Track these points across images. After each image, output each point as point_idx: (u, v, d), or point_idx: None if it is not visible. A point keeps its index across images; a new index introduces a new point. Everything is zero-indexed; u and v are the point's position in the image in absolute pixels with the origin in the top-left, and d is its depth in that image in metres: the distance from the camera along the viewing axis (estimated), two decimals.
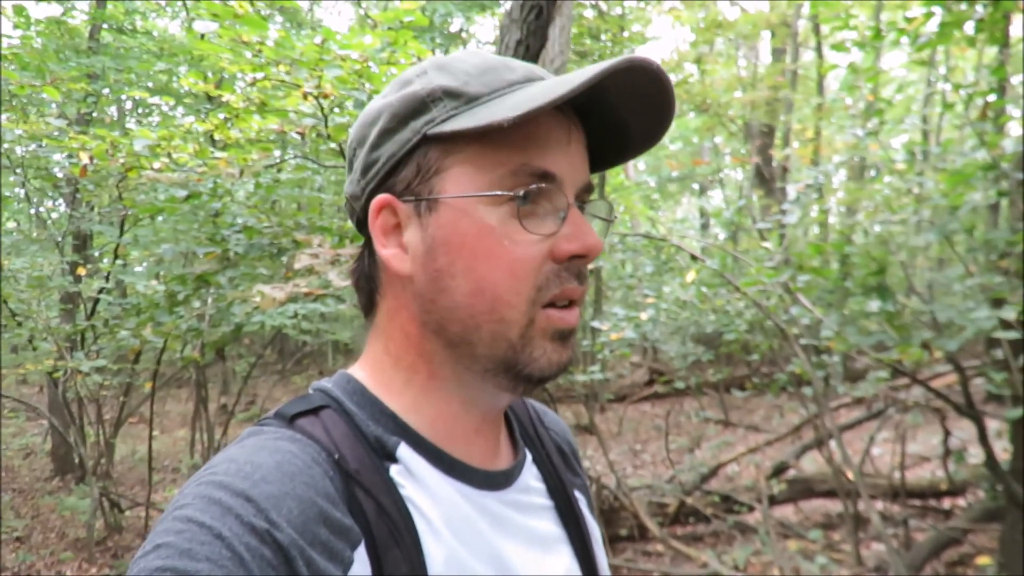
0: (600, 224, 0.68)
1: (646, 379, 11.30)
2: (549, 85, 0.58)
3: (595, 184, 0.69)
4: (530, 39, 2.61)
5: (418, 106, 0.61)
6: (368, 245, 0.67)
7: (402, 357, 0.65)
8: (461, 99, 0.60)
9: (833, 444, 4.16)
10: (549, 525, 0.69)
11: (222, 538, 0.47)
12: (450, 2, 8.18)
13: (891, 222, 4.61)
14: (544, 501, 0.70)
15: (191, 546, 0.47)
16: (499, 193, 0.59)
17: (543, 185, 0.60)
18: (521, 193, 0.59)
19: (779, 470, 5.48)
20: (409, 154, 0.62)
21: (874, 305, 3.96)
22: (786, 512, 5.25)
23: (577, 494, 0.75)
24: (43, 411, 6.60)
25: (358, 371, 0.67)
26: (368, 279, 0.67)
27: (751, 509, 5.05)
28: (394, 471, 0.59)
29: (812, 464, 5.76)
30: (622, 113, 0.64)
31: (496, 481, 0.65)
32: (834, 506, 5.06)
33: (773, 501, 5.05)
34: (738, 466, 6.41)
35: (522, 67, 0.63)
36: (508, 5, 2.72)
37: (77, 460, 6.31)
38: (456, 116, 0.60)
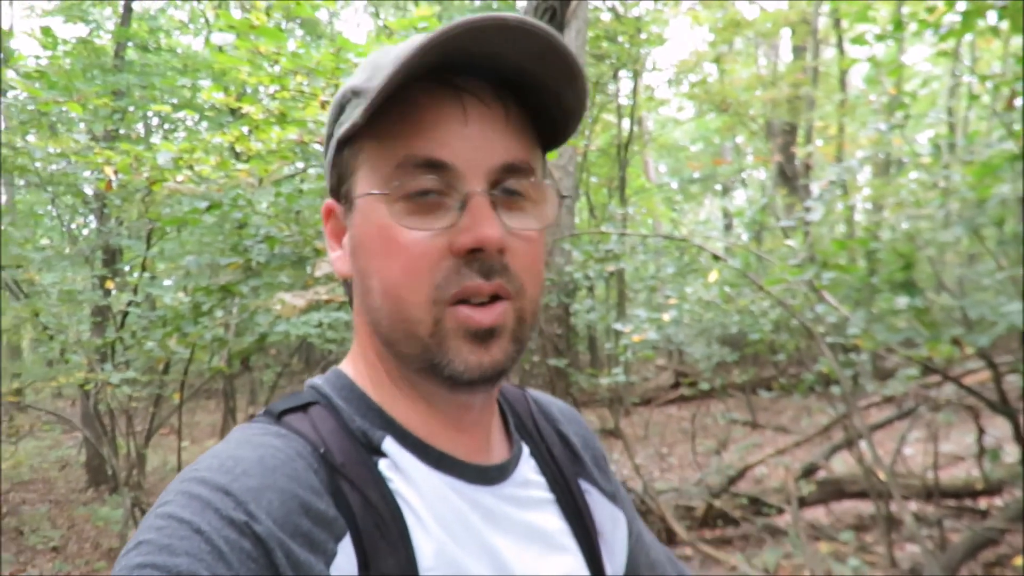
0: (549, 204, 0.62)
1: (672, 382, 11.22)
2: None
3: (534, 164, 0.62)
4: None
5: (337, 110, 0.62)
6: None
7: (367, 353, 0.65)
8: (361, 96, 0.58)
9: (863, 444, 4.09)
10: (551, 518, 0.67)
11: (201, 532, 0.48)
12: (465, 4, 8.22)
13: (918, 217, 4.53)
14: (544, 495, 0.68)
15: (171, 541, 0.47)
16: (378, 192, 0.58)
17: (431, 176, 0.57)
18: (412, 191, 0.57)
19: (808, 471, 5.39)
20: (335, 158, 0.63)
21: (902, 302, 3.89)
22: (817, 514, 5.16)
23: (585, 484, 0.73)
24: (76, 423, 6.73)
25: (348, 367, 0.67)
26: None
27: (780, 511, 4.97)
28: (383, 465, 0.59)
29: (843, 465, 5.66)
30: (547, 81, 0.59)
31: (489, 475, 0.64)
32: (866, 507, 4.96)
33: (803, 503, 4.96)
34: (766, 468, 6.32)
35: None
36: (522, 7, 2.73)
37: (110, 471, 6.41)
38: (352, 115, 0.59)
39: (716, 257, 4.44)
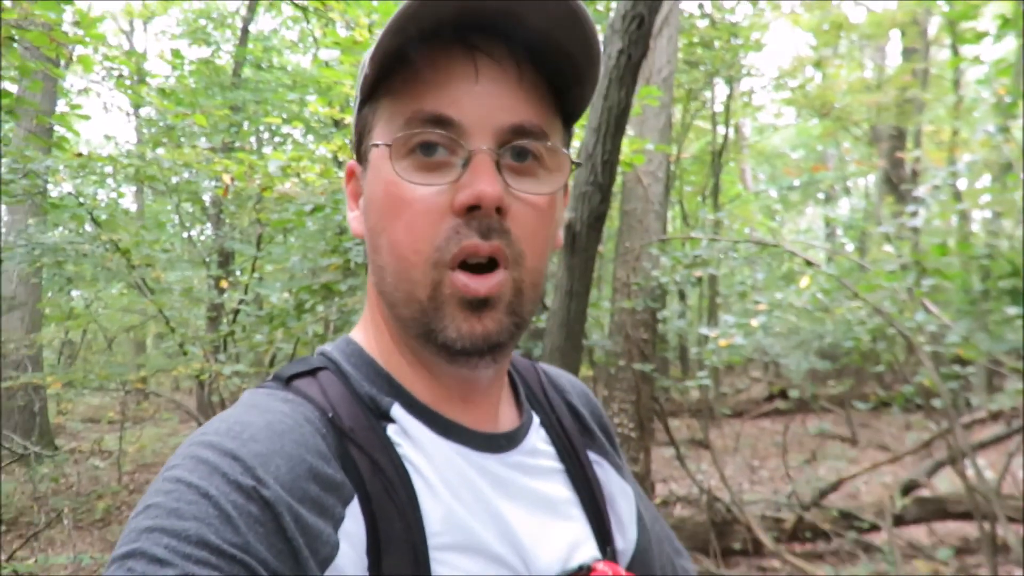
0: (557, 172, 0.61)
1: (766, 395, 10.89)
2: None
3: (539, 128, 0.59)
4: (631, 49, 2.65)
5: (362, 70, 0.61)
6: None
7: (376, 318, 0.65)
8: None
9: (967, 462, 3.89)
10: (558, 488, 0.67)
11: (209, 496, 0.47)
12: None
13: None
14: (553, 464, 0.68)
15: (179, 505, 0.47)
16: (381, 143, 0.58)
17: (437, 131, 0.56)
18: (414, 143, 0.56)
19: (908, 488, 5.15)
20: (356, 117, 0.63)
21: (1011, 310, 3.69)
22: (918, 533, 4.92)
23: (595, 456, 0.73)
24: (193, 411, 7.28)
25: (358, 334, 0.67)
26: None
27: (875, 528, 4.78)
28: (391, 430, 0.59)
29: (947, 483, 5.37)
30: (564, 46, 0.58)
31: (497, 443, 0.64)
32: (971, 529, 4.70)
33: (902, 521, 4.75)
34: (864, 483, 6.07)
35: None
36: (613, 9, 2.80)
37: None
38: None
39: (808, 263, 4.34)
